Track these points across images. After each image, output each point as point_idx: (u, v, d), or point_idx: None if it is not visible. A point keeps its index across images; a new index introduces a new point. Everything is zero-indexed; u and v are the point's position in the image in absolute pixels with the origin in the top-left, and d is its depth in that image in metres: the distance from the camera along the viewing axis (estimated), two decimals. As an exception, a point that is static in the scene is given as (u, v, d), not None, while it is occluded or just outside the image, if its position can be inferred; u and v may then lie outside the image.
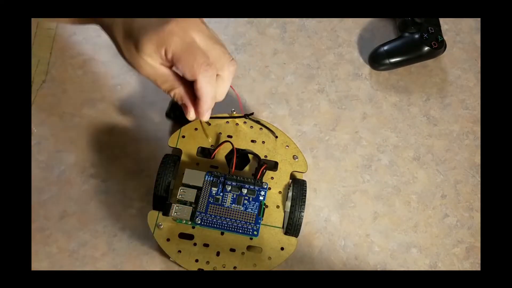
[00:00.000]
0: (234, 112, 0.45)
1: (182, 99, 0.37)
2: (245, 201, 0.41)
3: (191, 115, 0.37)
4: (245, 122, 0.45)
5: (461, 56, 0.55)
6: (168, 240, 0.40)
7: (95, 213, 0.44)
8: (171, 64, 0.35)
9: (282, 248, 0.40)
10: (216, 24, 0.54)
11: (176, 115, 0.47)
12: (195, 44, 0.34)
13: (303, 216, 0.40)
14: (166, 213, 0.40)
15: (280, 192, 0.42)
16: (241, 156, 0.44)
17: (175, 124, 0.48)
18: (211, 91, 0.35)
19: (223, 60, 0.36)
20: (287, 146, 0.44)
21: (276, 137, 0.44)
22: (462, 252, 0.45)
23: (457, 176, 0.49)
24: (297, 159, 0.44)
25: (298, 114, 0.50)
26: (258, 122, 0.45)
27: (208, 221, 0.40)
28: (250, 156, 0.44)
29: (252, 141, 0.44)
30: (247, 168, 0.44)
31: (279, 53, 0.53)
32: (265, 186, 0.41)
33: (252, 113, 0.45)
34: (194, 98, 0.37)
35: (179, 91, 0.36)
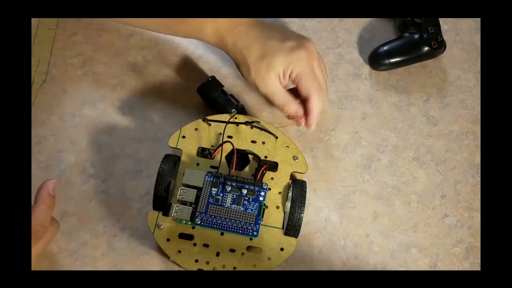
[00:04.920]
0: (235, 113, 0.45)
1: (296, 111, 0.45)
2: (245, 202, 0.41)
3: (303, 124, 0.46)
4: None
5: (460, 56, 0.55)
6: (168, 240, 0.40)
7: (95, 213, 0.44)
8: (291, 82, 0.45)
9: (281, 249, 0.40)
10: (216, 24, 0.54)
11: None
12: (313, 70, 0.44)
13: (302, 217, 0.40)
14: (166, 213, 0.40)
15: (280, 192, 0.42)
16: (241, 157, 0.44)
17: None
18: (320, 108, 0.45)
19: (314, 85, 0.44)
20: (287, 146, 0.44)
21: (276, 137, 0.44)
22: (462, 252, 0.45)
23: (457, 176, 0.49)
24: (297, 160, 0.44)
25: (298, 114, 0.50)
26: (261, 129, 0.44)
27: (208, 222, 0.40)
28: (250, 156, 0.44)
29: (252, 141, 0.44)
30: (247, 168, 0.44)
31: (279, 53, 0.53)
32: (265, 187, 0.41)
33: (258, 121, 0.45)
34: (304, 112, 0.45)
35: (292, 106, 0.45)
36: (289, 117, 0.47)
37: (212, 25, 0.45)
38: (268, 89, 0.44)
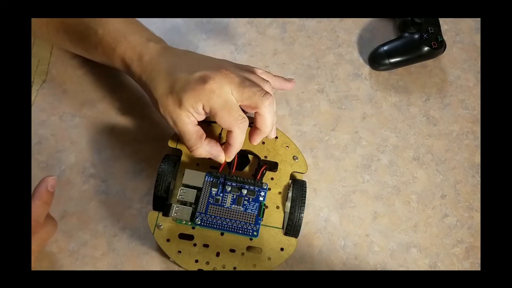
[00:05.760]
0: None
1: (206, 155, 0.41)
2: (245, 202, 0.41)
3: (222, 159, 0.41)
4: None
5: (460, 56, 0.55)
6: (168, 240, 0.40)
7: (95, 213, 0.44)
8: (206, 116, 0.40)
9: (282, 249, 0.40)
10: (216, 24, 0.54)
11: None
12: (229, 99, 0.39)
13: (302, 217, 0.40)
14: (166, 213, 0.40)
15: (280, 192, 0.42)
16: (241, 157, 0.44)
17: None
18: (242, 140, 0.40)
19: (255, 99, 0.39)
20: (287, 146, 0.44)
21: (276, 137, 0.44)
22: (462, 252, 0.45)
23: (457, 176, 0.49)
24: (297, 160, 0.44)
25: (298, 114, 0.50)
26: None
27: (208, 222, 0.40)
28: (250, 156, 0.44)
29: (252, 141, 0.44)
30: (247, 168, 0.44)
31: (279, 53, 0.53)
32: (265, 187, 0.41)
33: None
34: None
35: (199, 150, 0.40)
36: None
37: (119, 54, 0.42)
38: (177, 128, 0.40)
